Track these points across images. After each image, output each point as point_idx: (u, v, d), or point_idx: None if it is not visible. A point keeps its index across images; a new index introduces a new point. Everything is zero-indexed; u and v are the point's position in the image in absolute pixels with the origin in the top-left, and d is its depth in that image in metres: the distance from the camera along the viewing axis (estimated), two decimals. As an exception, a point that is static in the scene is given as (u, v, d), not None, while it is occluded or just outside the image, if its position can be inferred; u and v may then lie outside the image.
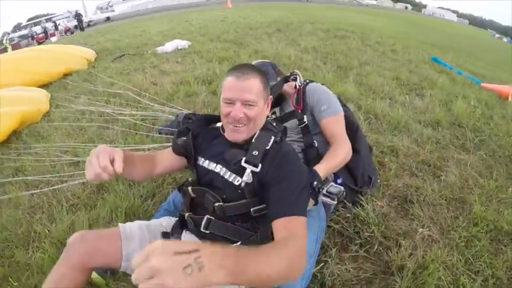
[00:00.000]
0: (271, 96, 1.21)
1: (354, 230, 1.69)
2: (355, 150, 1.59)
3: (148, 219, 1.53)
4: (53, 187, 2.39)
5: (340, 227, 1.72)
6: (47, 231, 1.98)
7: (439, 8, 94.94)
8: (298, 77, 1.70)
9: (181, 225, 1.25)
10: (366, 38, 6.80)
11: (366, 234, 1.65)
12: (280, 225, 0.92)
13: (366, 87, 3.63)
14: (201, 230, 1.13)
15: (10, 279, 1.66)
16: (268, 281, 0.71)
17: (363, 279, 1.47)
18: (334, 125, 1.57)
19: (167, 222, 1.33)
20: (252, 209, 1.08)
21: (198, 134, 1.28)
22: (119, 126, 3.15)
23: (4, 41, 24.29)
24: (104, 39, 9.95)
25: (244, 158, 1.06)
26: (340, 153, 1.50)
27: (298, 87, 1.68)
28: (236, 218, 1.11)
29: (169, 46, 6.44)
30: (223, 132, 1.22)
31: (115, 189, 2.19)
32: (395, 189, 2.02)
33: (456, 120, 3.11)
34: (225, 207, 1.09)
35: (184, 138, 1.25)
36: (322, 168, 1.44)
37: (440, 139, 2.72)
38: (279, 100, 1.82)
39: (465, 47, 9.63)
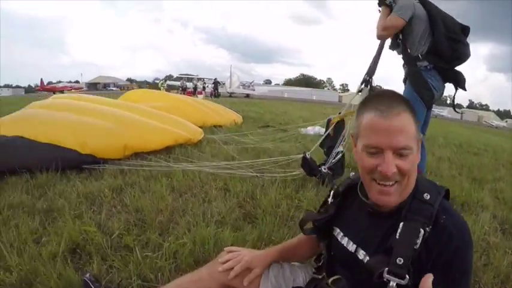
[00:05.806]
0: (422, 136, 0.95)
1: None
2: None
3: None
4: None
5: None
6: (187, 228, 2.08)
7: None
8: None
9: None
10: (499, 157, 7.05)
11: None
12: None
13: (501, 200, 3.61)
14: None
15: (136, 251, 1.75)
16: None
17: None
18: None
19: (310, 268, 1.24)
20: None
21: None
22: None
23: (160, 85, 30.59)
24: (248, 109, 11.42)
25: (386, 269, 0.83)
26: None
27: None
28: None
29: (311, 130, 6.98)
30: (361, 194, 1.01)
31: (266, 220, 2.24)
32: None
33: None
34: None
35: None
36: None
37: None
38: None
39: None
